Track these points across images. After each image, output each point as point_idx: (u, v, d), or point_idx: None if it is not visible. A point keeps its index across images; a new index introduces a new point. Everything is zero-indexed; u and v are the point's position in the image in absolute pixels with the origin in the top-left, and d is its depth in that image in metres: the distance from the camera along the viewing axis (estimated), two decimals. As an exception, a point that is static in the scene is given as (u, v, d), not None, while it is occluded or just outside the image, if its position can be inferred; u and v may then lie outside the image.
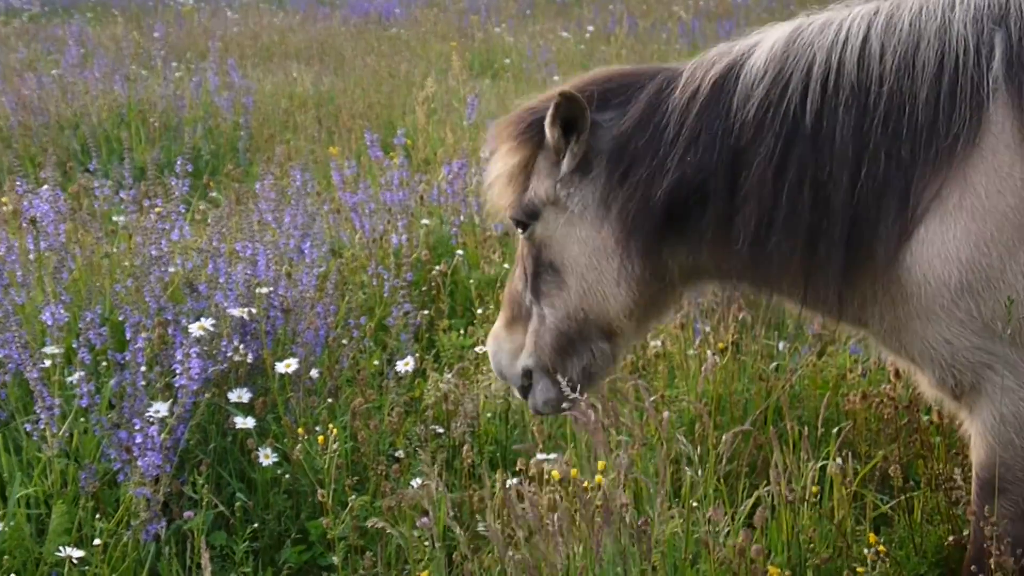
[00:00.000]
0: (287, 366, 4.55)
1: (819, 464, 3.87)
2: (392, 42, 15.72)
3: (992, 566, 3.02)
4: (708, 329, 4.82)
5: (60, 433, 4.22)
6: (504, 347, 3.84)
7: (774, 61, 3.24)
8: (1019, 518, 3.20)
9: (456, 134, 8.48)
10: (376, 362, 5.05)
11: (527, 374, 3.81)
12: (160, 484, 4.00)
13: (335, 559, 3.88)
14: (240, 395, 4.52)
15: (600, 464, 3.41)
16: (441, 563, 3.71)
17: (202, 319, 4.58)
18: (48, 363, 4.56)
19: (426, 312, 5.60)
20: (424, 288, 5.97)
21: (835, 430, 4.03)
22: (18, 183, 5.46)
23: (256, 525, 4.22)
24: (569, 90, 3.38)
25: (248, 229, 4.87)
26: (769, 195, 3.16)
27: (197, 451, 4.52)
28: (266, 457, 4.36)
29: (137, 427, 3.93)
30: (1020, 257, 2.98)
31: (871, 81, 3.13)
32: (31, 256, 5.01)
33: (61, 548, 3.69)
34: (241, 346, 4.65)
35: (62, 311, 4.37)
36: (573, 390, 3.55)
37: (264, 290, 4.81)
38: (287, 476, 4.39)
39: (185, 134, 9.64)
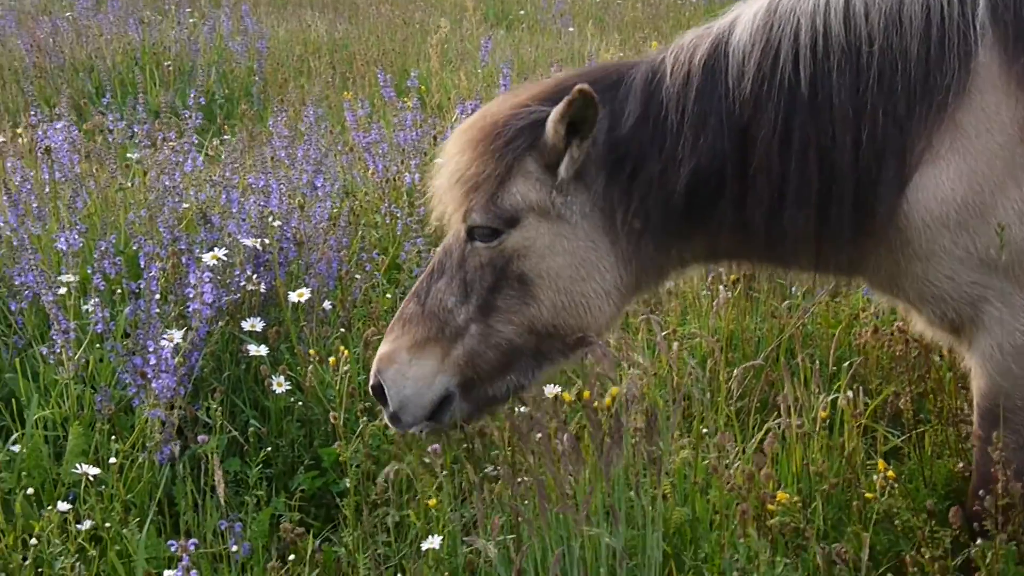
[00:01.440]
0: (299, 295, 4.58)
1: (830, 398, 3.88)
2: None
3: (999, 491, 3.05)
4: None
5: (76, 357, 4.26)
6: (408, 372, 3.33)
7: (759, 33, 3.19)
8: (1021, 447, 3.23)
9: (470, 79, 8.46)
10: (389, 296, 5.06)
11: (445, 400, 3.38)
12: (174, 407, 4.03)
13: (347, 483, 3.91)
14: (253, 324, 4.54)
15: (613, 390, 3.43)
16: (449, 492, 3.73)
17: (215, 249, 4.61)
18: (63, 290, 4.61)
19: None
20: (436, 226, 5.97)
21: (846, 364, 4.04)
22: (32, 112, 5.46)
23: (269, 450, 4.25)
24: (587, 87, 3.08)
25: (261, 163, 4.87)
26: (778, 168, 3.13)
27: (211, 379, 4.56)
28: (279, 385, 4.39)
29: (151, 349, 3.94)
30: (1010, 192, 3.02)
31: (860, 41, 3.10)
32: (46, 188, 5.02)
33: (77, 466, 3.73)
34: (254, 276, 4.67)
35: (76, 237, 4.39)
36: (490, 406, 3.45)
37: (277, 223, 4.83)
38: (300, 404, 4.42)
39: (199, 78, 9.62)
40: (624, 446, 3.31)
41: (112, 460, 3.85)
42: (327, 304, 4.79)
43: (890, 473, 3.24)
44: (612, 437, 3.30)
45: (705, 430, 3.58)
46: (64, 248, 4.63)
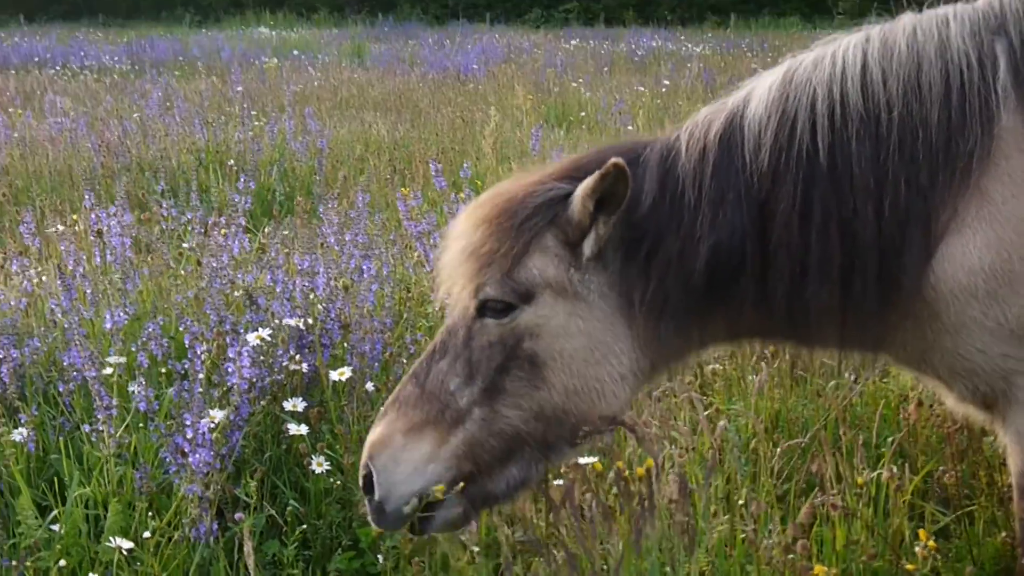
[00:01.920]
0: (340, 374, 4.59)
1: (874, 473, 3.79)
2: (469, 95, 15.91)
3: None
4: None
5: (117, 434, 4.30)
6: (403, 457, 3.09)
7: (775, 104, 3.12)
8: None
9: (522, 169, 8.54)
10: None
11: (442, 500, 3.13)
12: (211, 481, 4.03)
13: (382, 560, 3.87)
14: (295, 404, 4.55)
15: (648, 461, 3.37)
16: (484, 567, 3.68)
17: (259, 330, 4.65)
18: (109, 370, 4.67)
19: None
20: (442, 304, 6.01)
21: (890, 439, 3.95)
22: (87, 195, 5.60)
23: (306, 528, 4.24)
24: (622, 161, 2.96)
25: (309, 244, 4.93)
26: (798, 242, 3.02)
27: (253, 460, 4.57)
28: (319, 465, 4.39)
29: (188, 423, 3.96)
30: None
31: (879, 108, 3.03)
32: (98, 272, 5.13)
33: (111, 540, 3.74)
34: (297, 356, 4.70)
35: (122, 315, 4.45)
36: (485, 505, 3.24)
37: (321, 305, 4.87)
38: (338, 483, 4.40)
39: (260, 175, 9.83)
40: (657, 517, 3.26)
41: (147, 535, 3.85)
42: (370, 385, 4.79)
43: (931, 543, 3.14)
44: (644, 506, 3.25)
45: (741, 501, 3.49)
46: (110, 327, 4.70)
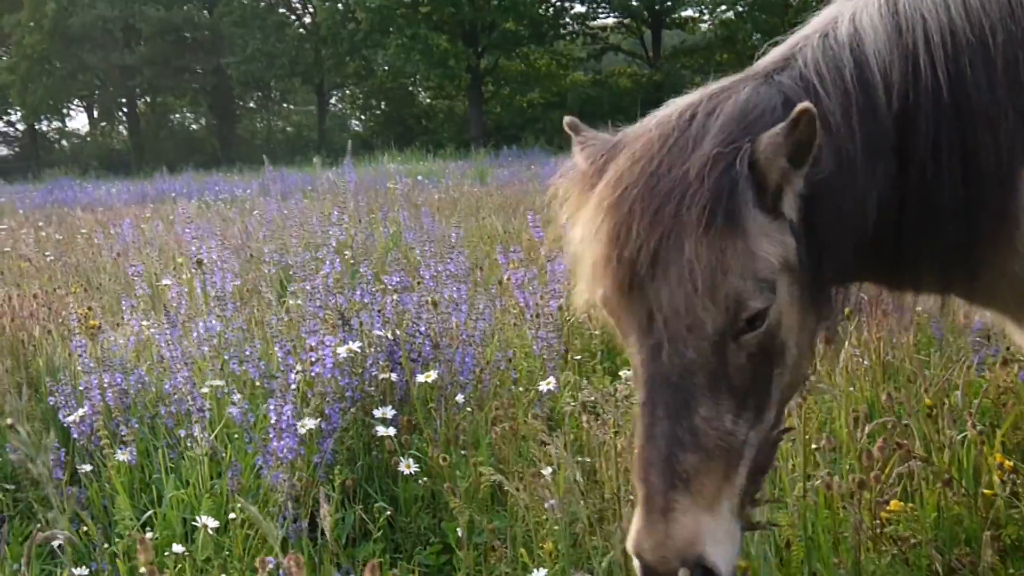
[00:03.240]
0: (427, 376, 4.64)
1: (960, 435, 3.67)
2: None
3: None
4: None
5: (212, 435, 4.42)
6: (723, 533, 2.58)
7: (892, 38, 2.94)
8: None
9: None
10: (522, 389, 5.09)
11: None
12: (296, 469, 4.10)
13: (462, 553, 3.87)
14: (384, 412, 4.62)
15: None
16: (565, 531, 3.65)
17: (349, 342, 4.76)
18: (207, 389, 4.82)
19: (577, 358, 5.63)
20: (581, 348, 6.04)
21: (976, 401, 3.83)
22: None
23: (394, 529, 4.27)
24: (811, 106, 2.59)
25: (399, 263, 5.05)
26: (932, 184, 2.87)
27: (345, 470, 4.63)
28: (407, 467, 4.43)
29: (271, 407, 4.05)
30: None
31: (984, 34, 2.92)
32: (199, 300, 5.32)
33: (198, 518, 3.82)
34: (385, 365, 4.78)
35: (214, 321, 4.60)
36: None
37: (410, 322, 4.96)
38: (425, 481, 4.43)
39: (374, 265, 10.08)
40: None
41: (232, 516, 3.93)
42: (460, 397, 4.84)
43: (1008, 463, 3.02)
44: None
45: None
46: (206, 350, 4.86)
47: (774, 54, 3.05)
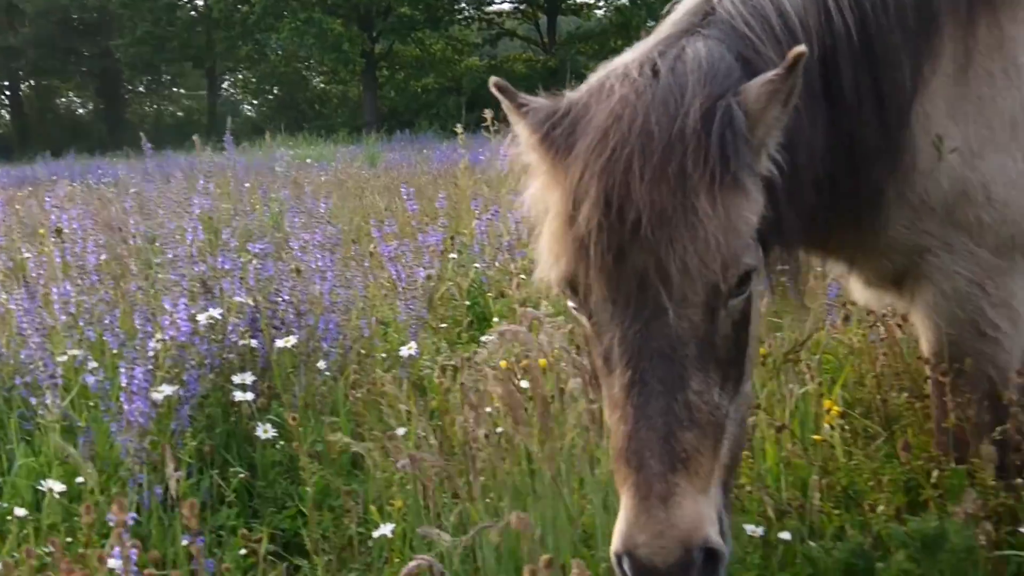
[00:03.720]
0: (287, 341, 4.62)
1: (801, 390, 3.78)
2: (475, 181, 16.15)
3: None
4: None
5: (64, 403, 4.35)
6: (717, 510, 2.46)
7: None
8: (980, 402, 3.12)
9: (490, 187, 8.67)
10: (383, 355, 5.11)
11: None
12: (147, 433, 4.06)
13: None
14: (243, 378, 4.59)
15: (541, 362, 3.39)
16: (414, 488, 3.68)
17: (209, 309, 4.72)
18: (64, 358, 4.75)
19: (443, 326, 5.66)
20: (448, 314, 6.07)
21: (816, 356, 3.95)
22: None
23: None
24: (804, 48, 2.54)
25: (261, 231, 5.02)
26: (856, 121, 2.96)
27: (203, 437, 4.59)
28: (265, 432, 4.41)
29: (122, 370, 4.00)
30: (951, 131, 3.04)
31: None
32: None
33: (42, 481, 3.77)
34: (247, 332, 4.75)
35: (68, 287, 4.53)
36: None
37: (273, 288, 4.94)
38: (283, 446, 4.42)
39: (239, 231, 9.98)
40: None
41: (79, 480, 3.88)
42: (322, 363, 4.84)
43: (835, 408, 3.13)
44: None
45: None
46: (64, 319, 4.78)
47: (685, 9, 3.01)
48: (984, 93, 3.09)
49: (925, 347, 3.24)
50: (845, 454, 3.49)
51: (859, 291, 3.43)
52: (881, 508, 2.98)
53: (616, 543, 2.35)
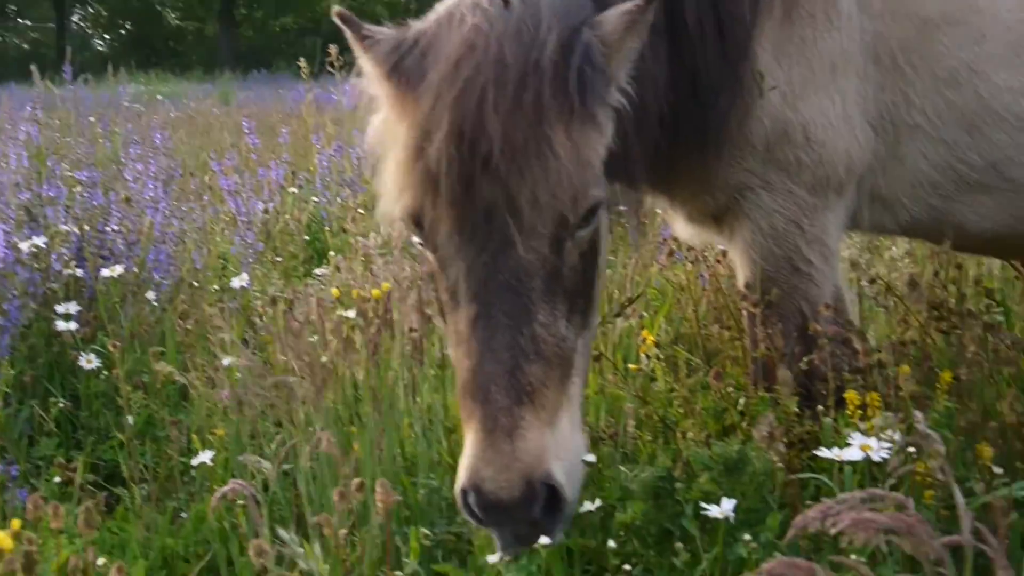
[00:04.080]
0: (112, 271, 4.52)
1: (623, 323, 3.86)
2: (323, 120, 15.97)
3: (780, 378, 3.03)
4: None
5: None
6: (564, 447, 2.43)
7: None
8: (791, 334, 3.21)
9: (337, 125, 8.60)
10: (216, 288, 5.04)
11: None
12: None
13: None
14: (67, 308, 4.47)
15: (385, 285, 3.39)
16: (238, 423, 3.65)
17: (32, 237, 4.59)
18: None
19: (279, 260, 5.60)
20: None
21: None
22: None
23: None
24: None
25: (87, 159, 4.88)
26: (699, 58, 2.96)
27: (25, 367, 4.47)
28: (88, 362, 4.31)
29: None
30: (775, 73, 3.08)
31: None
32: None
33: None
34: (72, 262, 4.63)
35: None
36: None
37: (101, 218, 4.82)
38: (107, 376, 4.33)
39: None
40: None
41: None
42: (151, 294, 4.75)
43: (651, 338, 3.19)
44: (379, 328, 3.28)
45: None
46: None
47: None
48: (806, 35, 3.15)
49: (741, 281, 3.32)
50: (665, 386, 3.58)
51: (680, 227, 3.49)
52: (691, 435, 3.06)
53: (462, 479, 2.33)
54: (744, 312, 3.30)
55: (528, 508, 2.31)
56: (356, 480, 2.65)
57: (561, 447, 2.39)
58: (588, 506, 2.78)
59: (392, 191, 2.56)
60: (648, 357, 3.27)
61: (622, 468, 2.92)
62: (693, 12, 2.96)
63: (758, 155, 3.14)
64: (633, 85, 2.68)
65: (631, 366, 3.35)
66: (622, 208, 4.38)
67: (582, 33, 2.52)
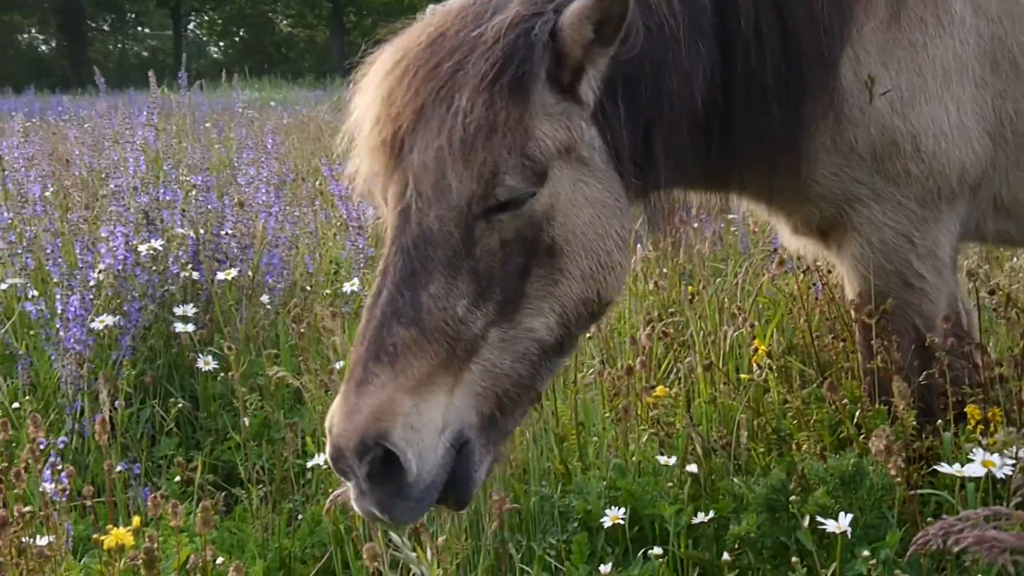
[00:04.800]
0: (227, 274, 4.61)
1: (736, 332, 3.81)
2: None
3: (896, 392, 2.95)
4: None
5: (4, 331, 4.33)
6: (422, 422, 2.35)
7: None
8: (907, 348, 3.13)
9: None
10: (328, 292, 5.10)
11: (456, 448, 2.43)
12: (84, 360, 4.05)
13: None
14: (185, 310, 4.57)
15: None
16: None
17: (151, 240, 4.70)
18: (4, 286, 4.72)
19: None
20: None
21: (750, 301, 3.98)
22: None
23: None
24: None
25: (202, 164, 4.99)
26: (756, 61, 2.87)
27: (145, 367, 4.58)
28: (206, 364, 4.40)
29: (58, 296, 3.98)
30: (881, 78, 2.98)
31: None
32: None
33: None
34: (189, 265, 4.73)
35: (6, 215, 4.49)
36: (503, 441, 2.60)
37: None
38: (223, 378, 4.42)
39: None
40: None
41: (15, 405, 3.87)
42: (265, 298, 4.83)
43: (763, 348, 3.15)
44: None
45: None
46: (3, 246, 4.74)
47: None
48: (916, 39, 3.06)
49: (850, 295, 3.23)
50: (778, 397, 3.53)
51: (787, 238, 3.41)
52: (805, 447, 3.01)
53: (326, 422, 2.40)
54: (857, 325, 3.22)
55: (358, 462, 2.30)
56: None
57: (419, 419, 2.33)
58: (701, 517, 2.76)
59: (352, 168, 2.67)
60: (760, 367, 3.22)
61: (735, 480, 2.89)
62: (750, 15, 2.86)
63: (865, 165, 3.04)
64: (648, 86, 2.65)
65: (743, 376, 3.30)
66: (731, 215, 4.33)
67: (542, 15, 2.50)
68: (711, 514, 2.78)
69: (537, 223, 2.48)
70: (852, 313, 3.21)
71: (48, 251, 4.89)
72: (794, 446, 3.08)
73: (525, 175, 2.43)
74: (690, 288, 3.89)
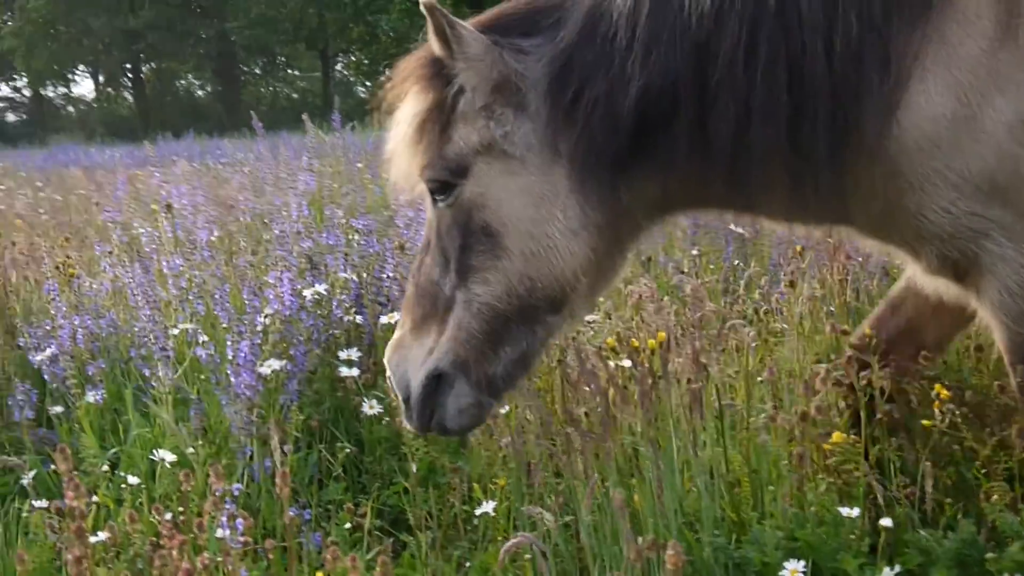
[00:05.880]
0: (390, 317, 4.65)
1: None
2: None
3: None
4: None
5: (176, 376, 4.44)
6: (410, 355, 3.18)
7: None
8: None
9: None
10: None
11: (432, 379, 3.15)
12: (255, 406, 4.12)
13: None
14: (349, 354, 4.62)
15: (660, 334, 3.35)
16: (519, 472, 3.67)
17: (315, 284, 4.77)
18: (176, 331, 4.85)
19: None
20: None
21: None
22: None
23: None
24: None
25: (366, 209, 5.05)
26: (743, 82, 2.82)
27: (311, 411, 4.64)
28: (371, 408, 4.43)
29: (228, 343, 4.06)
30: (995, 102, 2.74)
31: None
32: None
33: (155, 452, 3.84)
34: (352, 308, 4.79)
35: (178, 261, 4.62)
36: (495, 391, 3.18)
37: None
38: (388, 422, 4.44)
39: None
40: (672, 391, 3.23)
41: (190, 450, 3.95)
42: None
43: (944, 393, 3.03)
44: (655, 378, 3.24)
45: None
46: (175, 292, 4.87)
47: None
48: None
49: (1001, 349, 2.99)
50: (957, 441, 3.38)
51: (923, 279, 3.16)
52: (995, 498, 2.87)
53: None
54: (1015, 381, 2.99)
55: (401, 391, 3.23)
56: (649, 537, 2.62)
57: (410, 353, 3.18)
58: (888, 572, 2.66)
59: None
60: (943, 413, 3.09)
61: (921, 532, 2.78)
62: (736, 43, 2.84)
63: (982, 197, 2.78)
64: (569, 88, 2.94)
65: (923, 422, 3.18)
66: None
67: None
68: (896, 568, 2.68)
69: (467, 209, 3.04)
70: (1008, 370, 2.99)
71: (216, 296, 5.02)
72: (982, 496, 2.94)
73: (439, 171, 3.06)
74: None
